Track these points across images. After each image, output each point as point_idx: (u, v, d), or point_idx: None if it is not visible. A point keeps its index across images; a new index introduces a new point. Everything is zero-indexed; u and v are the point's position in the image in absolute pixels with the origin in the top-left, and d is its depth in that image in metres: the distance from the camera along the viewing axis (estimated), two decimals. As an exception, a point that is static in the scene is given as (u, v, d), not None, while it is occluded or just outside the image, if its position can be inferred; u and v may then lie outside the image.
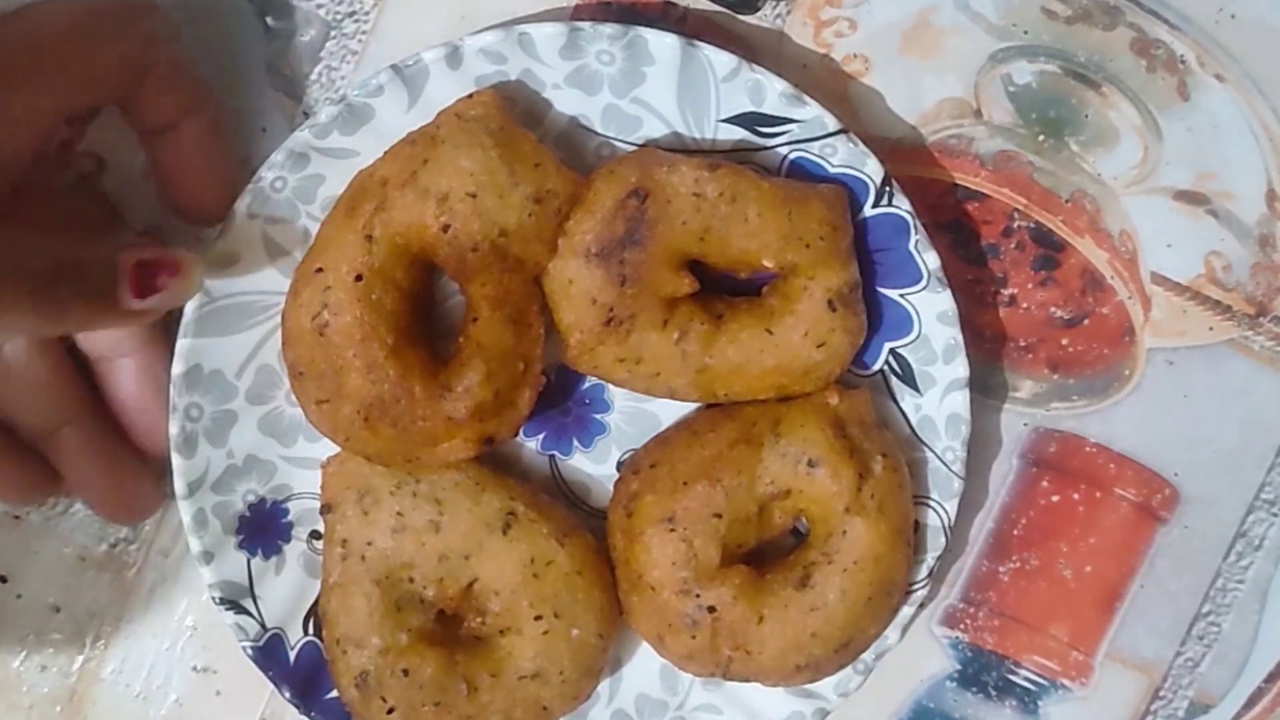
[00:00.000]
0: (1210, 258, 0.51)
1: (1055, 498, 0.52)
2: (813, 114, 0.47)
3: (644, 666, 0.50)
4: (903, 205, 0.48)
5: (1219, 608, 0.52)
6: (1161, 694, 0.52)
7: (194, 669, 0.53)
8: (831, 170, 0.48)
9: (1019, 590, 0.52)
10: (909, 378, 0.49)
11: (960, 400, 0.48)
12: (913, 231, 0.48)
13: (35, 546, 0.52)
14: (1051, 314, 0.51)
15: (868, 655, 0.49)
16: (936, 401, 0.49)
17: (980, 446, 0.52)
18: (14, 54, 0.42)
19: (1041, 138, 0.51)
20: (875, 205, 0.48)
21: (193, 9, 0.50)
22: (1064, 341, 0.51)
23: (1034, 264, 0.51)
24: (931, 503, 0.49)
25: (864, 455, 0.47)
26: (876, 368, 0.50)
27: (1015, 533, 0.52)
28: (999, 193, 0.51)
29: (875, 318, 0.49)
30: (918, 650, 0.52)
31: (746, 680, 0.48)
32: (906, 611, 0.49)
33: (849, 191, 0.47)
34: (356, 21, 0.51)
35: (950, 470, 0.49)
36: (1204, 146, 0.51)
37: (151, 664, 0.53)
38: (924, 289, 0.48)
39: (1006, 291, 0.51)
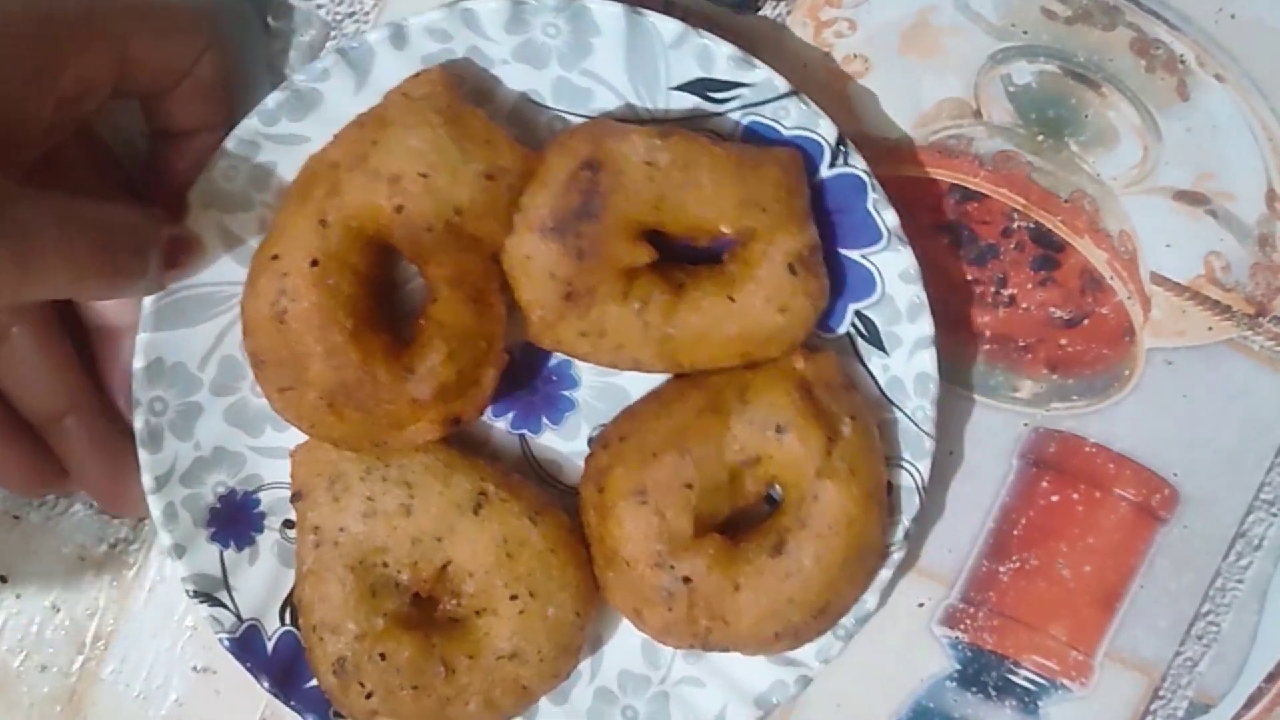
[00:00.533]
0: (1210, 258, 0.51)
1: (1055, 498, 0.52)
2: (763, 76, 0.47)
3: (625, 642, 0.50)
4: (858, 164, 0.47)
5: (1218, 607, 0.52)
6: (1161, 694, 0.52)
7: (194, 669, 0.53)
8: (785, 133, 0.48)
9: (1019, 590, 0.52)
10: (875, 338, 0.49)
11: (928, 358, 0.48)
12: (870, 190, 0.47)
13: (34, 546, 0.52)
14: (1051, 314, 0.51)
15: (848, 620, 0.49)
16: (904, 361, 0.49)
17: (980, 447, 0.52)
18: (79, 20, 0.42)
19: (1041, 138, 0.51)
20: (831, 166, 0.48)
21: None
22: (1063, 341, 0.51)
23: (1033, 264, 0.51)
24: (904, 464, 0.49)
25: (832, 418, 0.47)
26: (842, 330, 0.49)
27: (1015, 533, 0.52)
28: (998, 193, 0.51)
29: (838, 280, 0.48)
30: (917, 650, 0.52)
31: (726, 650, 0.48)
32: (885, 574, 0.49)
33: (804, 153, 0.47)
34: (356, 22, 0.51)
35: (921, 430, 0.49)
36: (1203, 146, 0.51)
37: (151, 664, 0.53)
38: (885, 248, 0.48)
39: (1006, 292, 0.51)
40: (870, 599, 0.49)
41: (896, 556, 0.49)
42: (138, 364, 0.47)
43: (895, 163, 0.50)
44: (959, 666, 0.53)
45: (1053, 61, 0.51)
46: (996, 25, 0.50)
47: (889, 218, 0.47)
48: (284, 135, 0.47)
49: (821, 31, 0.50)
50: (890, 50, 0.50)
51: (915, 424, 0.49)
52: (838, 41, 0.50)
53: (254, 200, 0.48)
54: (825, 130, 0.47)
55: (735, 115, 0.48)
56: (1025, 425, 0.52)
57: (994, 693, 0.53)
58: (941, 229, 0.51)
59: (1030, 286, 0.51)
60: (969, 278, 0.51)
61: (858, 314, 0.49)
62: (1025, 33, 0.50)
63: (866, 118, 0.51)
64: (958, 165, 0.51)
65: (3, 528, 0.52)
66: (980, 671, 0.52)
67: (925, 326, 0.48)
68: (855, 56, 0.51)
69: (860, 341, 0.49)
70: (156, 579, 0.53)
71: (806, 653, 0.49)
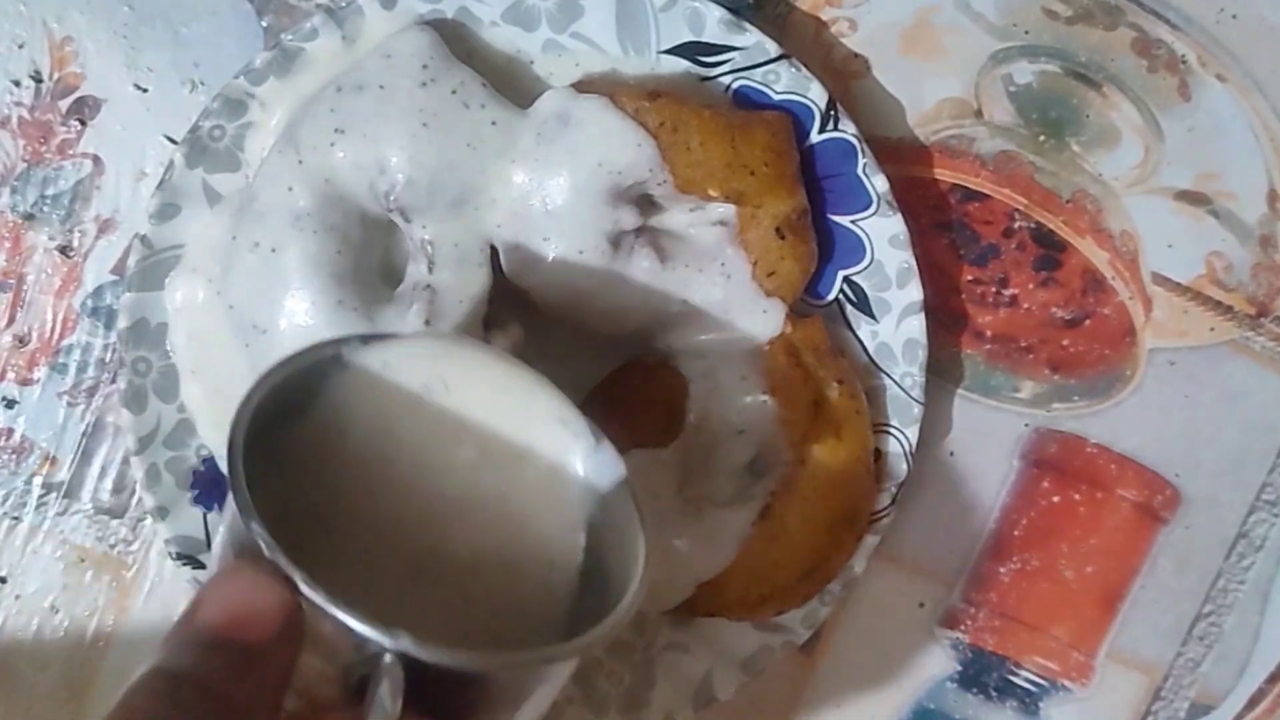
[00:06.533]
0: (1211, 258, 0.51)
1: (1056, 498, 0.52)
2: (753, 40, 0.47)
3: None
4: (849, 129, 0.47)
5: (1220, 608, 0.52)
6: (1163, 694, 0.52)
7: (193, 669, 0.53)
8: (775, 97, 0.48)
9: (1020, 591, 0.52)
10: (864, 305, 0.49)
11: (916, 325, 0.48)
12: (860, 155, 0.47)
13: (34, 547, 0.52)
14: (1052, 314, 0.51)
15: (834, 586, 0.49)
16: (893, 327, 0.48)
17: (980, 447, 0.52)
18: None
19: (1042, 138, 0.51)
20: (822, 130, 0.47)
21: (192, 9, 0.50)
22: (1065, 342, 0.51)
23: (1035, 264, 0.51)
24: (892, 429, 0.49)
25: (819, 382, 0.47)
26: (831, 297, 0.49)
27: (1016, 533, 0.52)
28: (1000, 193, 0.51)
29: (828, 245, 0.48)
30: (919, 651, 0.52)
31: (712, 615, 0.48)
32: (871, 540, 0.49)
33: (794, 118, 0.47)
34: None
35: (909, 396, 0.48)
36: (1205, 147, 0.51)
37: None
38: (874, 214, 0.48)
39: (1007, 292, 0.51)
40: (857, 565, 0.49)
41: (884, 523, 0.49)
42: (121, 324, 0.47)
43: (896, 163, 0.50)
44: (960, 667, 0.52)
45: (1054, 61, 0.50)
46: (997, 25, 0.50)
47: (879, 183, 0.47)
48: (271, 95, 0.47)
49: (822, 31, 0.50)
50: (891, 50, 0.50)
51: (904, 390, 0.49)
52: (838, 41, 0.50)
53: (239, 160, 0.47)
54: (815, 94, 0.47)
55: (725, 79, 0.48)
56: (1026, 426, 0.52)
57: (995, 693, 0.52)
58: (943, 229, 0.51)
59: (1032, 287, 0.51)
60: (970, 278, 0.51)
61: (847, 280, 0.49)
62: (1026, 32, 0.50)
63: (867, 117, 0.50)
64: (959, 165, 0.51)
65: (2, 528, 0.52)
66: (981, 672, 0.52)
67: (915, 292, 0.48)
68: (855, 56, 0.50)
69: (849, 308, 0.49)
70: (156, 579, 0.52)
71: (792, 618, 0.49)
